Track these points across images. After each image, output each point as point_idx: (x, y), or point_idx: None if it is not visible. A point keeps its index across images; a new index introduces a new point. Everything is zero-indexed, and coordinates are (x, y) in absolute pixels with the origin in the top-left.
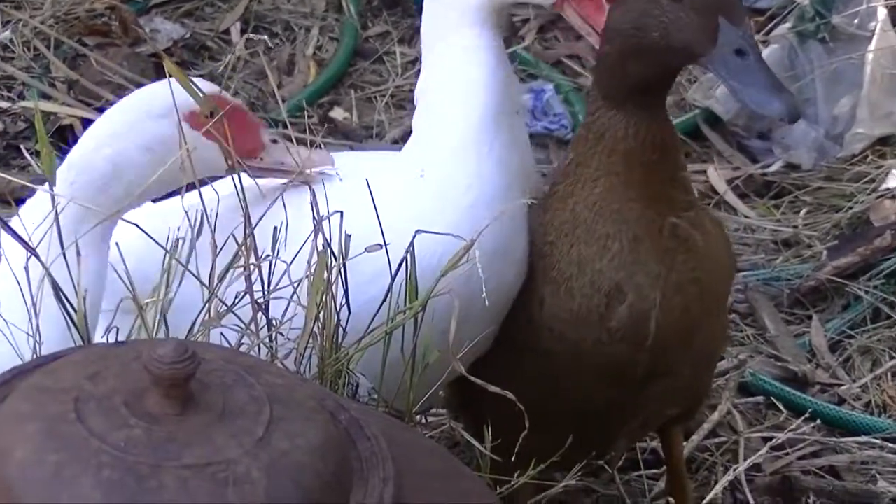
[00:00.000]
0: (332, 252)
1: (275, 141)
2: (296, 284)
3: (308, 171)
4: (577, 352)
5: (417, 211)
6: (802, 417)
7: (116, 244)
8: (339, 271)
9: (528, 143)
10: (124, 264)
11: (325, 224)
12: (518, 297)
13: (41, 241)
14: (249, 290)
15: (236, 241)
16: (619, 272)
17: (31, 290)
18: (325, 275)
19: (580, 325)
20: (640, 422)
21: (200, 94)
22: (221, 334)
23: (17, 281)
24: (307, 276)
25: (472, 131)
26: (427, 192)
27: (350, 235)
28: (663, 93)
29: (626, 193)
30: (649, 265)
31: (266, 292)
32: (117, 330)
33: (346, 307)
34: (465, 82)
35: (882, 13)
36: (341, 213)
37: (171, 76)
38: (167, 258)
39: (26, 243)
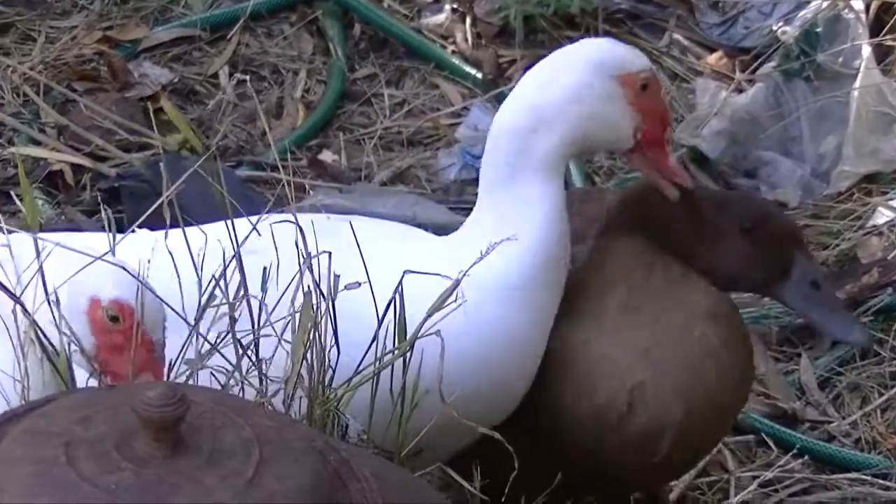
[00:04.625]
0: (320, 293)
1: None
2: (284, 323)
3: None
4: (592, 449)
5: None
6: (791, 454)
7: None
8: (328, 312)
9: (562, 284)
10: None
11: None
12: (540, 383)
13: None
14: (232, 329)
15: (215, 280)
16: (644, 372)
17: (18, 334)
18: (312, 314)
19: (597, 423)
20: None
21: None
22: (211, 373)
23: (6, 325)
24: (292, 314)
25: (514, 278)
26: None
27: (339, 276)
28: None
29: (653, 298)
30: (676, 374)
31: (255, 332)
32: None
33: (335, 348)
34: (521, 233)
35: (866, 51)
36: (329, 253)
37: (153, 120)
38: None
39: (11, 293)
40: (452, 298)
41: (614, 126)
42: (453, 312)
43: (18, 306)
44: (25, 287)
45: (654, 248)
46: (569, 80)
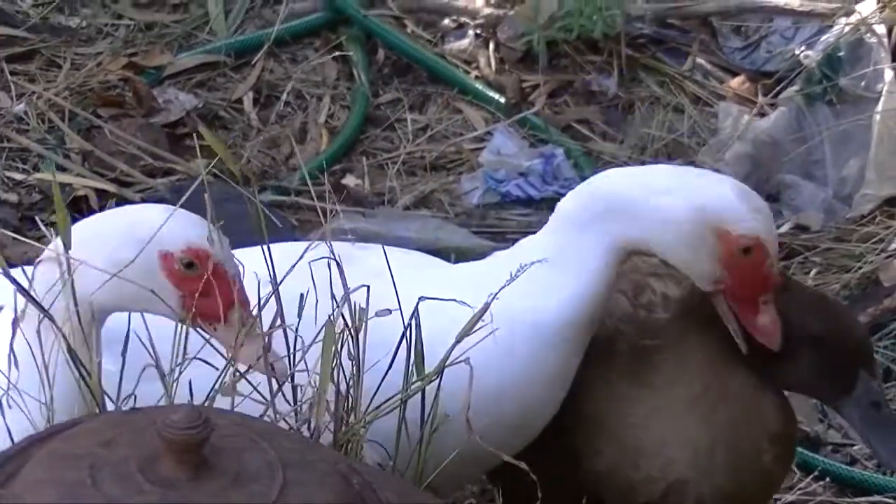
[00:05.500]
0: (346, 324)
1: (241, 323)
2: (305, 351)
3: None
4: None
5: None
6: (811, 476)
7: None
8: (355, 342)
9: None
10: (147, 331)
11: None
12: (579, 420)
13: (51, 305)
14: (264, 356)
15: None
16: (690, 470)
17: (43, 355)
18: (337, 343)
19: (627, 493)
20: None
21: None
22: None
23: (31, 347)
24: (318, 341)
25: (549, 322)
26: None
27: (365, 308)
28: None
29: (727, 398)
30: (720, 481)
31: (291, 364)
32: (135, 397)
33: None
34: (578, 289)
35: (889, 75)
36: (367, 287)
37: (201, 144)
38: (182, 327)
39: (40, 305)
40: (482, 324)
41: (691, 266)
42: (480, 343)
43: (46, 320)
44: (52, 303)
45: (735, 349)
46: (670, 206)
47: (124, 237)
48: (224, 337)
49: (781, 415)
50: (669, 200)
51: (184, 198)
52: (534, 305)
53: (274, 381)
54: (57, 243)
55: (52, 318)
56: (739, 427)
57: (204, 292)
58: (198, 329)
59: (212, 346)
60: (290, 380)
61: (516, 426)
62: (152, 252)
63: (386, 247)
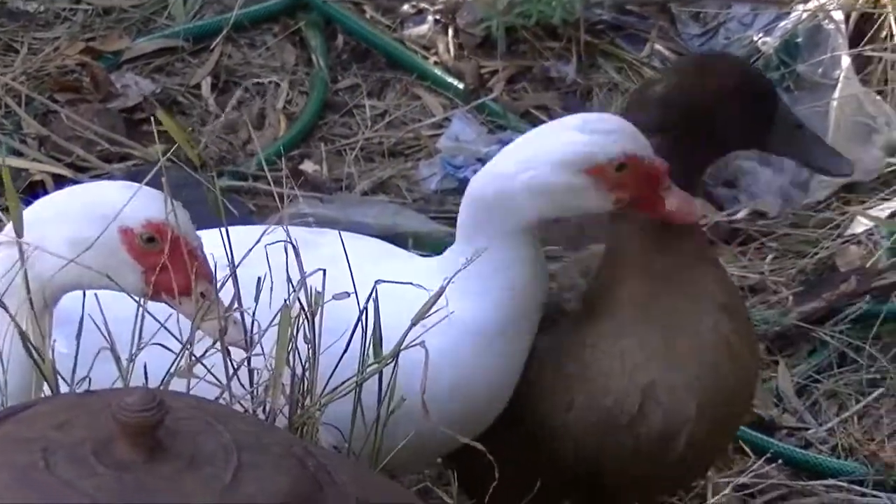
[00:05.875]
0: (302, 307)
1: (203, 295)
2: (262, 335)
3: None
4: (596, 455)
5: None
6: (764, 458)
7: (95, 294)
8: (310, 324)
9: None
10: (102, 314)
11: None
12: (537, 402)
13: (4, 292)
14: (221, 340)
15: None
16: (655, 370)
17: None
18: (292, 326)
19: (607, 427)
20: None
21: (192, 150)
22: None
23: None
24: (273, 325)
25: (491, 326)
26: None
27: (321, 292)
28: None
29: (665, 288)
30: (689, 368)
31: (248, 345)
32: (89, 380)
33: (317, 360)
34: (499, 289)
35: (846, 62)
36: (324, 271)
37: (159, 127)
38: (140, 310)
39: None
40: (435, 309)
41: (588, 207)
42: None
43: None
44: (6, 289)
45: (664, 228)
46: (531, 180)
47: (85, 215)
48: (188, 310)
49: (724, 284)
50: (527, 177)
51: (143, 182)
52: (473, 314)
53: (230, 363)
54: (11, 228)
55: (4, 307)
56: (687, 307)
57: (165, 266)
58: (164, 302)
59: (167, 329)
60: (247, 351)
61: (465, 422)
62: (112, 228)
63: (340, 233)
